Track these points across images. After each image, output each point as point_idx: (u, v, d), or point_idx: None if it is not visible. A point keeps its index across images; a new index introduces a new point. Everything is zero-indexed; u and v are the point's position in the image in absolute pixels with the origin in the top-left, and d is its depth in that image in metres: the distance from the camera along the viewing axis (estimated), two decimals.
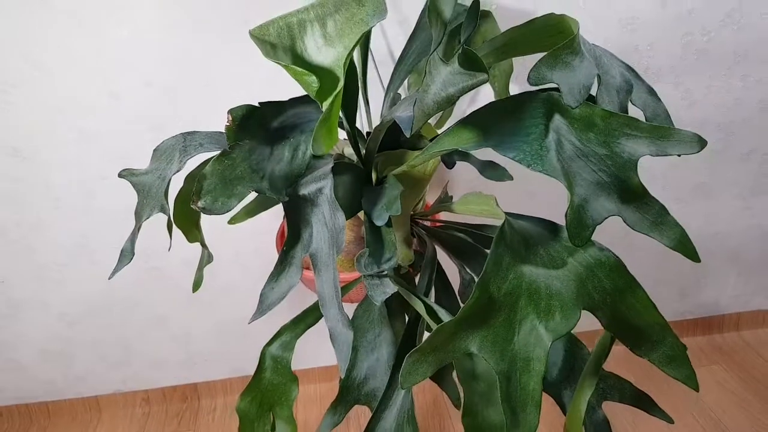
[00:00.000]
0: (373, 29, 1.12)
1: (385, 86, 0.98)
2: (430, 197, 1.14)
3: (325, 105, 0.56)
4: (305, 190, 0.75)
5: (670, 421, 0.84)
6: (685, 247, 0.66)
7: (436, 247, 0.96)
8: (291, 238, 0.75)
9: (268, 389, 0.89)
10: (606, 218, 0.64)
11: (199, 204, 0.66)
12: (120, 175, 0.82)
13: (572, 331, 0.80)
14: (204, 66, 1.11)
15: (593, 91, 0.73)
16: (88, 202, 1.20)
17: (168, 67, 1.11)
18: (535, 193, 1.30)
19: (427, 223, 1.04)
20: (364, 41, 0.92)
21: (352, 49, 0.56)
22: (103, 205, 1.21)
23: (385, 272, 0.76)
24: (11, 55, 1.08)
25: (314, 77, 0.58)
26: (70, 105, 1.13)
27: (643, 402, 0.85)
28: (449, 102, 0.67)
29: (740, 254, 1.48)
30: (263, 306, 0.77)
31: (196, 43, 1.10)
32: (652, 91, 0.82)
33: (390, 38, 1.12)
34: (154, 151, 0.81)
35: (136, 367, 1.38)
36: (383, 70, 1.09)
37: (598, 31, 1.17)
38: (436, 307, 0.78)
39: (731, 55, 1.23)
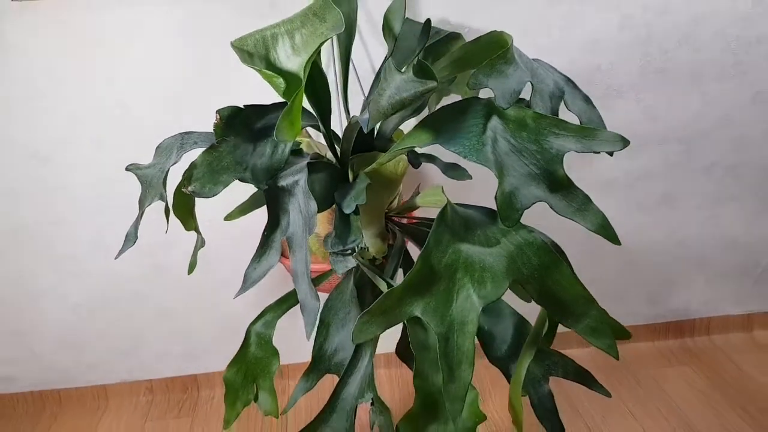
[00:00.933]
0: (358, 50, 1.26)
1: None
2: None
3: (289, 101, 0.68)
4: (284, 182, 0.87)
5: (608, 395, 0.93)
6: (606, 230, 0.77)
7: (407, 239, 1.07)
8: (271, 224, 0.86)
9: (252, 362, 1.00)
10: (534, 203, 0.75)
11: (189, 188, 0.77)
12: (127, 169, 0.94)
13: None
14: (205, 79, 1.25)
15: (528, 97, 0.85)
16: (101, 202, 1.34)
17: (173, 81, 1.25)
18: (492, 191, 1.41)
19: (404, 221, 1.16)
20: (345, 57, 1.05)
21: (312, 56, 0.68)
22: (115, 204, 1.34)
23: (349, 251, 0.88)
24: (37, 71, 1.22)
25: (281, 79, 0.70)
26: (87, 114, 1.27)
27: (584, 378, 0.94)
28: (402, 104, 0.78)
29: (707, 262, 1.57)
30: (246, 283, 0.88)
31: (199, 60, 1.24)
32: (587, 99, 0.93)
33: (373, 57, 1.25)
34: (156, 148, 0.93)
35: (142, 358, 1.49)
36: (366, 84, 1.21)
37: (563, 52, 1.29)
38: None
39: (688, 74, 1.34)
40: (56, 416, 1.48)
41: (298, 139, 1.14)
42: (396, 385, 1.54)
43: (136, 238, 0.94)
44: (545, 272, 0.76)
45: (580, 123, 0.93)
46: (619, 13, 1.27)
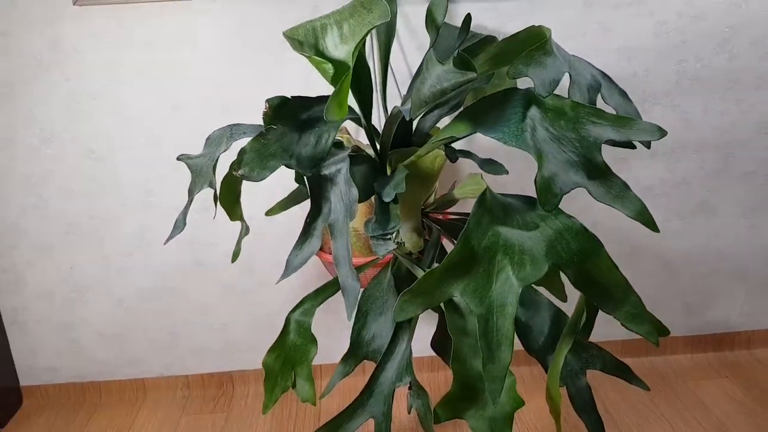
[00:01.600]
0: (396, 54, 1.30)
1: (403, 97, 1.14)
2: None
3: (337, 84, 0.71)
4: (326, 171, 0.90)
5: (646, 388, 0.93)
6: (644, 216, 0.78)
7: (442, 235, 1.09)
8: (313, 211, 0.89)
9: (291, 348, 1.02)
10: (573, 188, 0.77)
11: (239, 172, 0.81)
12: (178, 158, 0.99)
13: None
14: (253, 80, 1.30)
15: (567, 89, 0.87)
16: (148, 200, 1.39)
17: (222, 82, 1.31)
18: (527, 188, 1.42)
19: (440, 217, 1.18)
20: (384, 57, 1.08)
21: (360, 42, 0.71)
22: (161, 202, 1.39)
23: (388, 236, 0.90)
24: (95, 72, 1.29)
25: (330, 65, 0.74)
26: (140, 114, 1.33)
27: (623, 371, 0.94)
28: (443, 93, 0.81)
29: (748, 273, 1.55)
30: (288, 270, 0.91)
31: (246, 64, 1.29)
32: (624, 94, 0.95)
33: (410, 62, 1.28)
34: (206, 139, 0.97)
35: (180, 353, 1.53)
36: (404, 86, 1.25)
37: (598, 59, 1.31)
38: None
39: (725, 82, 1.35)
40: (96, 407, 1.51)
41: (338, 136, 1.18)
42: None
43: (185, 224, 0.98)
44: (584, 257, 0.77)
45: None
46: (653, 20, 1.29)
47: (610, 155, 1.44)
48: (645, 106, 1.36)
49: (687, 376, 1.54)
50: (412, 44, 1.28)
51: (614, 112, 0.94)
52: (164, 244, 0.99)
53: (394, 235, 1.12)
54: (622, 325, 0.79)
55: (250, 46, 1.28)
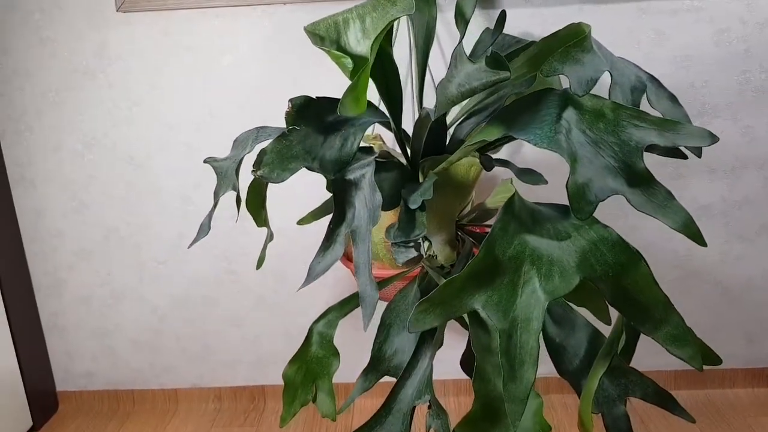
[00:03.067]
0: (437, 62, 1.26)
1: None
2: None
3: (354, 77, 0.68)
4: (351, 175, 0.86)
5: (692, 420, 0.84)
6: (689, 229, 0.71)
7: (475, 248, 1.04)
8: (336, 217, 0.86)
9: (312, 361, 0.98)
10: (609, 196, 0.70)
11: (259, 172, 0.79)
12: (205, 161, 0.98)
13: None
14: (290, 88, 1.29)
15: (606, 90, 0.81)
16: (185, 207, 1.39)
17: (260, 89, 1.30)
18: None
19: (476, 229, 1.12)
20: (422, 64, 1.05)
21: (380, 35, 0.68)
22: (197, 210, 1.39)
23: (411, 244, 0.85)
24: (137, 79, 1.31)
25: (349, 59, 0.70)
26: (179, 122, 1.33)
27: (666, 401, 0.86)
28: (472, 93, 0.77)
29: None
30: (310, 277, 0.87)
31: (284, 70, 1.28)
32: (674, 98, 0.88)
33: None
34: (234, 141, 0.96)
35: (213, 365, 1.51)
36: None
37: (653, 68, 1.23)
38: None
39: None
40: (129, 415, 1.51)
41: (370, 142, 1.15)
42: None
43: (209, 228, 0.96)
44: (621, 271, 0.71)
45: None
46: (714, 27, 1.21)
47: (664, 172, 1.36)
48: (704, 119, 1.27)
49: (745, 412, 1.41)
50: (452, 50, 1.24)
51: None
52: (188, 247, 0.97)
53: (426, 247, 1.08)
54: (663, 346, 0.72)
55: (289, 52, 1.27)
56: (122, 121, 1.34)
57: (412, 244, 0.85)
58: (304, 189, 1.29)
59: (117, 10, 1.24)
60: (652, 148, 0.77)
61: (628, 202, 0.71)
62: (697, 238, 0.71)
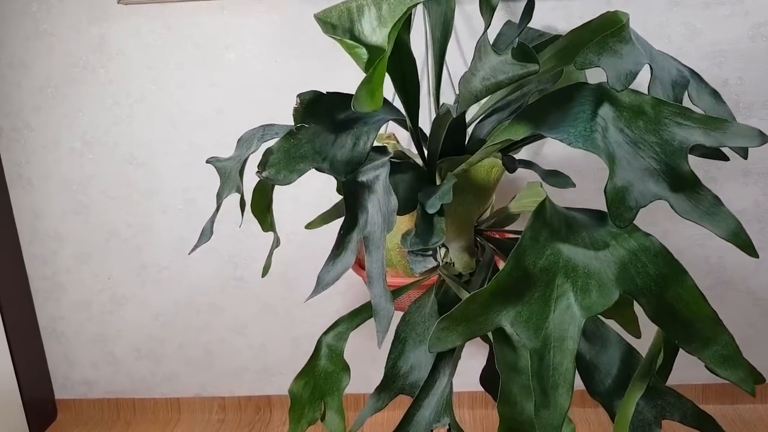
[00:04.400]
0: (455, 57, 1.19)
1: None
2: None
3: (369, 69, 0.61)
4: (364, 177, 0.80)
5: None
6: (739, 238, 0.64)
7: (497, 256, 0.97)
8: (348, 222, 0.79)
9: (321, 376, 0.92)
10: (651, 201, 0.64)
11: (264, 174, 0.72)
12: (208, 161, 0.91)
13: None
14: (299, 85, 1.22)
15: (646, 84, 0.74)
16: (188, 209, 1.33)
17: (268, 86, 1.24)
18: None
19: (496, 236, 1.06)
20: (439, 57, 0.98)
21: (398, 23, 0.61)
22: (202, 212, 1.33)
23: (429, 252, 0.79)
24: (139, 74, 1.25)
25: (364, 49, 0.64)
26: (183, 119, 1.27)
27: (707, 424, 0.79)
28: (497, 87, 0.70)
29: None
30: (319, 286, 0.81)
31: (293, 66, 1.22)
32: (716, 94, 0.81)
33: (468, 61, 1.17)
34: (238, 140, 0.89)
35: (217, 374, 1.45)
36: None
37: (685, 63, 1.16)
38: None
39: None
40: (130, 425, 1.46)
41: (383, 141, 1.08)
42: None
43: (212, 233, 0.90)
44: (664, 284, 0.64)
45: None
46: (750, 21, 1.14)
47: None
48: (738, 119, 1.20)
49: None
50: (471, 43, 1.17)
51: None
52: (189, 253, 0.91)
53: (442, 253, 1.01)
54: (709, 369, 0.65)
55: (298, 47, 1.21)
56: (123, 118, 1.28)
57: (430, 252, 0.79)
58: (315, 190, 1.23)
59: (118, 2, 1.18)
60: (694, 149, 0.70)
61: (672, 208, 0.64)
62: (748, 248, 0.65)
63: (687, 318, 0.64)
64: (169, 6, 1.19)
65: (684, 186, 0.65)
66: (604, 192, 0.62)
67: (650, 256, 0.64)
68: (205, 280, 1.38)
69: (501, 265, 1.01)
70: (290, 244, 1.34)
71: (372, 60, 0.64)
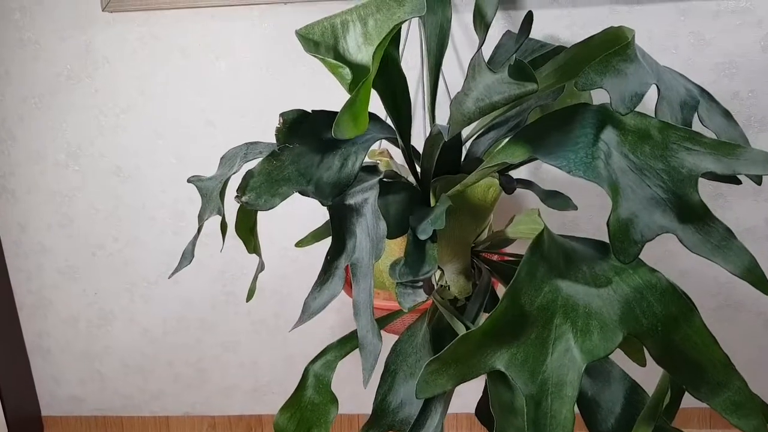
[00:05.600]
0: (453, 66, 1.14)
1: None
2: None
3: (353, 92, 0.56)
4: (352, 200, 0.75)
5: None
6: (753, 275, 0.59)
7: (495, 279, 0.92)
8: (335, 247, 0.75)
9: (307, 407, 0.87)
10: (658, 235, 0.59)
11: (243, 198, 0.67)
12: (188, 180, 0.87)
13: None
14: (291, 96, 1.18)
15: (652, 104, 0.69)
16: (177, 223, 1.28)
17: (259, 97, 1.19)
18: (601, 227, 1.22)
19: (494, 258, 1.01)
20: (434, 70, 0.93)
21: (384, 41, 0.56)
22: (190, 227, 1.28)
23: (420, 284, 0.74)
24: (125, 83, 1.20)
25: (348, 69, 0.59)
26: (171, 131, 1.23)
27: None
28: (492, 108, 0.65)
29: None
30: (305, 315, 0.77)
31: (287, 77, 1.18)
32: (728, 114, 0.76)
33: None
34: (221, 159, 0.85)
35: (207, 392, 1.41)
36: None
37: (692, 76, 1.11)
38: None
39: None
40: None
41: (376, 158, 1.03)
42: None
43: (193, 256, 0.86)
44: (672, 325, 0.59)
45: None
46: (762, 30, 1.08)
47: (703, 190, 1.21)
48: (749, 133, 1.13)
49: None
50: (470, 55, 1.12)
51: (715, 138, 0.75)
52: (169, 277, 0.86)
53: (437, 276, 0.96)
54: (721, 414, 0.60)
55: (291, 57, 1.16)
56: (109, 129, 1.23)
57: (420, 283, 0.74)
58: (308, 204, 1.18)
59: (103, 10, 1.14)
60: (705, 175, 0.65)
61: (680, 242, 0.59)
62: (761, 285, 0.60)
63: (696, 361, 0.59)
64: (157, 13, 1.14)
65: (693, 217, 0.60)
66: (607, 225, 0.57)
67: (657, 294, 0.59)
68: (195, 296, 1.34)
69: (499, 288, 0.97)
70: (283, 260, 1.30)
71: (356, 80, 0.60)
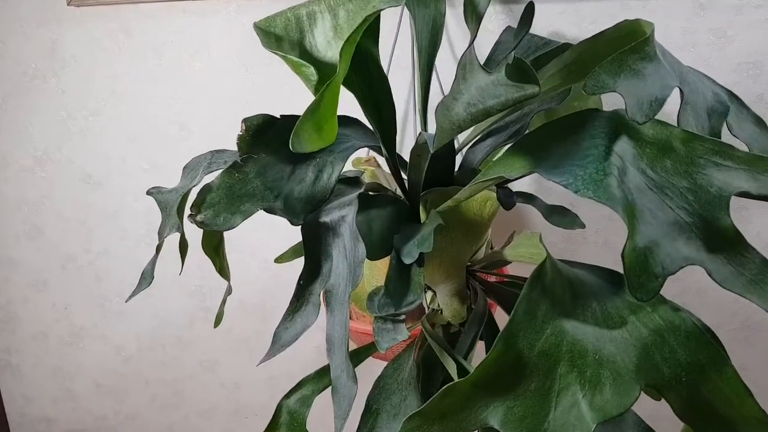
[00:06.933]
0: (448, 66, 1.05)
1: None
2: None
3: (317, 95, 0.47)
4: (327, 217, 0.66)
5: None
6: None
7: (492, 303, 0.83)
8: (308, 271, 0.66)
9: None
10: (682, 267, 0.49)
11: (198, 218, 0.58)
12: (148, 193, 0.78)
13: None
14: (271, 100, 1.09)
15: (673, 113, 0.59)
16: (151, 235, 1.19)
17: (236, 100, 1.10)
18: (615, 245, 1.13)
19: (491, 278, 0.91)
20: (426, 70, 0.83)
21: (356, 32, 0.47)
22: (167, 238, 1.19)
23: (402, 317, 0.65)
24: (94, 84, 1.11)
25: (312, 69, 0.49)
26: (143, 135, 1.14)
27: None
28: (486, 115, 0.56)
29: None
30: (275, 345, 0.68)
31: (265, 77, 1.08)
32: (761, 122, 0.66)
33: None
34: (184, 168, 0.76)
35: (185, 413, 1.32)
36: None
37: (713, 76, 1.01)
38: (471, 369, 0.64)
39: None
40: None
41: (361, 166, 0.94)
42: None
43: (152, 278, 0.77)
44: (699, 374, 0.49)
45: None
46: None
47: None
48: None
49: None
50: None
51: (746, 149, 0.65)
52: (126, 301, 0.77)
53: (428, 298, 0.87)
54: None
55: (271, 56, 1.07)
56: (78, 133, 1.14)
57: (402, 317, 0.64)
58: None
59: (68, 4, 1.05)
60: (739, 194, 0.55)
61: (709, 276, 0.50)
62: None
63: (727, 417, 0.50)
64: (125, 8, 1.05)
65: (723, 246, 0.50)
66: (622, 256, 0.47)
67: (681, 337, 0.50)
68: (171, 312, 1.25)
69: (497, 312, 0.87)
70: (265, 273, 1.21)
71: (323, 81, 0.50)
